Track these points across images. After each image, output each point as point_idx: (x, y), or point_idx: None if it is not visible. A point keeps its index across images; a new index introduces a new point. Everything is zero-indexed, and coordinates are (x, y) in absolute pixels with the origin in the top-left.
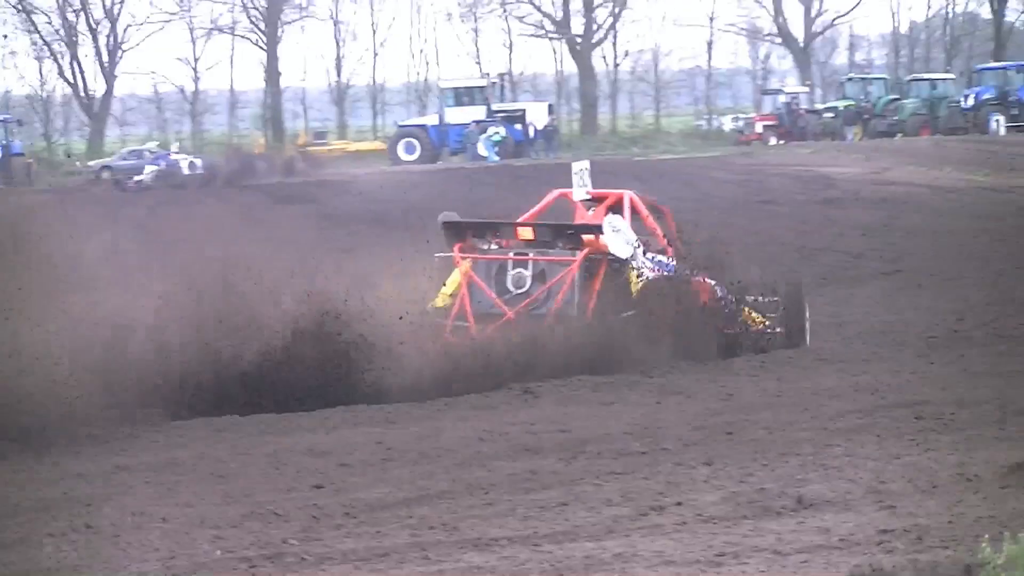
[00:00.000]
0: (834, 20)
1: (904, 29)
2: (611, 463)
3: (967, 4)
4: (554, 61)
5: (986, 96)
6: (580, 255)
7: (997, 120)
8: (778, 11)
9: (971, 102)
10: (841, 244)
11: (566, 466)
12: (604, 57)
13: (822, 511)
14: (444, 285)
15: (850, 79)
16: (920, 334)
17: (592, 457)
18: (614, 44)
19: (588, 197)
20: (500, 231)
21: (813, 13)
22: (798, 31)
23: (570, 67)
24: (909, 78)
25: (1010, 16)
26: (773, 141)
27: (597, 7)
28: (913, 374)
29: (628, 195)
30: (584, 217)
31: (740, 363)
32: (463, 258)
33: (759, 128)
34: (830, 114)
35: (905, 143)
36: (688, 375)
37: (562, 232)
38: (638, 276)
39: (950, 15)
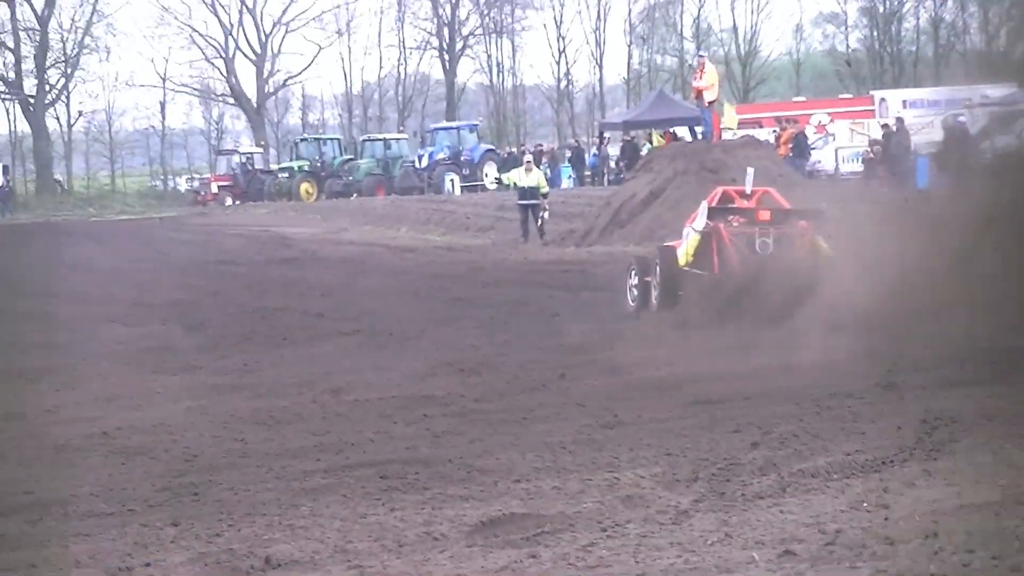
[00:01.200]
0: (286, 81)
1: (357, 89)
2: (78, 524)
3: (419, 64)
4: (7, 121)
5: (440, 156)
6: (809, 226)
7: (451, 180)
8: (230, 71)
9: (425, 162)
10: (300, 304)
11: (32, 528)
12: (58, 117)
13: (290, 570)
14: (687, 250)
15: (304, 139)
16: (382, 395)
17: (59, 518)
18: (67, 104)
19: (748, 192)
20: (744, 214)
21: (265, 74)
22: (251, 91)
23: (24, 127)
24: (363, 138)
25: (461, 77)
26: (229, 201)
27: (49, 68)
28: (377, 433)
29: (771, 191)
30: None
31: (201, 423)
32: (724, 230)
33: (215, 188)
34: (285, 174)
35: (361, 203)
36: (149, 434)
37: (786, 214)
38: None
39: (402, 75)
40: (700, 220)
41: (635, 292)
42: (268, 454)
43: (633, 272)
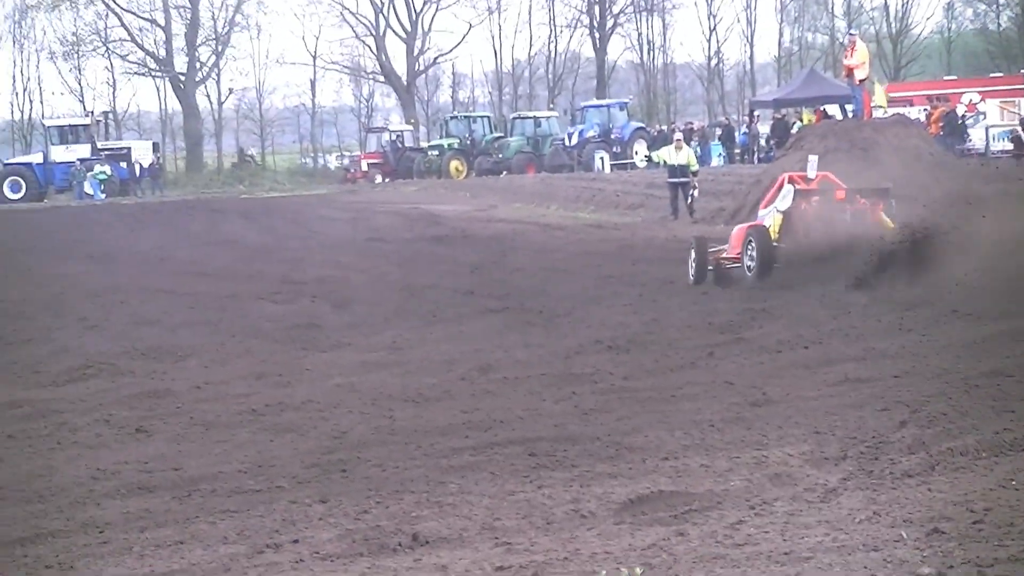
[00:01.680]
0: (436, 59)
1: (507, 67)
2: (225, 501)
3: (569, 42)
4: (158, 99)
5: (590, 134)
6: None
7: (601, 157)
8: (381, 49)
9: (575, 140)
10: (450, 281)
11: (180, 504)
12: (208, 95)
13: (438, 548)
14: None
15: (454, 117)
16: (531, 372)
17: (206, 495)
18: (218, 82)
19: (811, 177)
20: (823, 194)
21: (415, 52)
22: (401, 69)
23: (175, 105)
24: (513, 116)
25: (612, 54)
26: (379, 179)
27: (200, 45)
28: (526, 411)
29: (829, 175)
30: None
31: (350, 400)
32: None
33: (365, 166)
34: (435, 152)
35: (511, 180)
36: (298, 411)
37: (858, 192)
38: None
39: (553, 53)
40: (784, 201)
41: (692, 267)
42: (416, 431)
43: (692, 251)
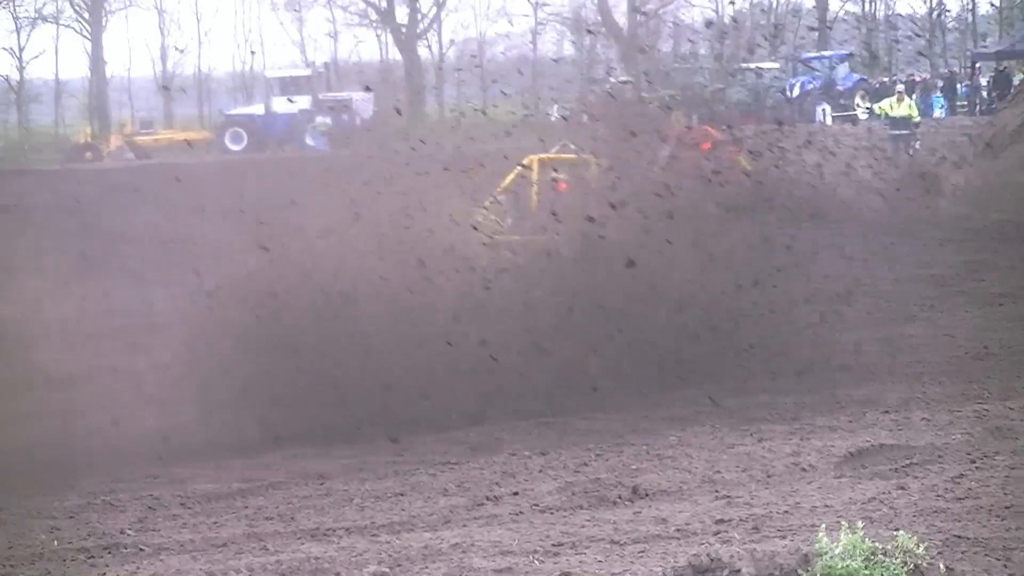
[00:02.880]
0: (657, 10)
1: (728, 18)
2: (445, 454)
3: None
4: (379, 50)
5: (811, 85)
6: None
7: (823, 109)
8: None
9: (796, 91)
10: None
11: (400, 456)
12: (429, 46)
13: (658, 501)
14: None
15: (675, 69)
16: None
17: (427, 446)
18: (439, 33)
19: None
20: None
21: (637, 2)
22: (622, 20)
23: (396, 56)
24: (734, 67)
25: (833, 6)
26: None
27: None
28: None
29: None
30: None
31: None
32: None
33: (585, 118)
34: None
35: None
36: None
37: None
38: None
39: (774, 4)
40: None
41: None
42: (636, 384)
43: None
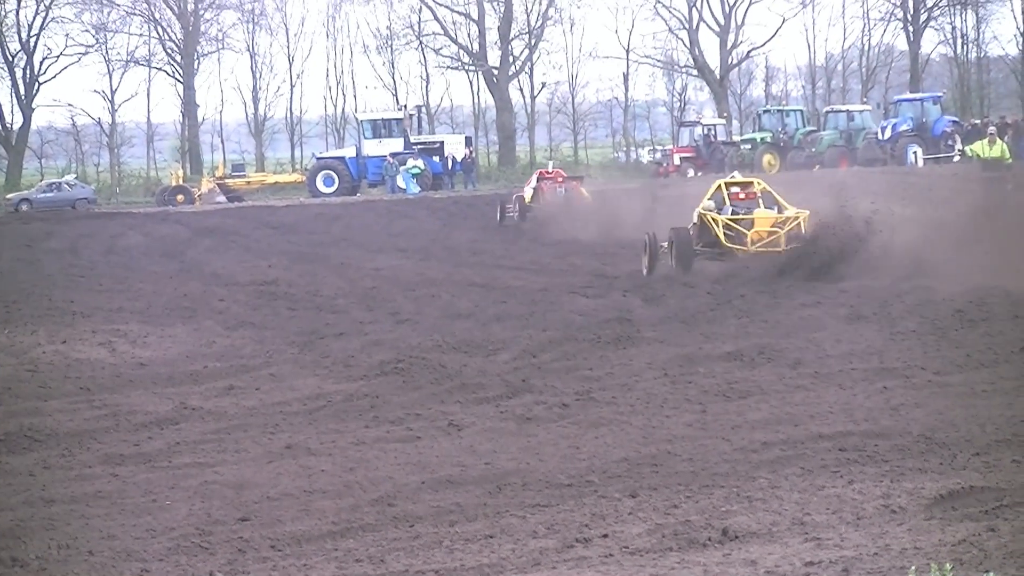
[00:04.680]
0: (749, 52)
1: (820, 60)
2: (535, 495)
3: (883, 35)
4: (471, 93)
5: (903, 128)
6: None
7: (915, 152)
8: (694, 43)
9: (888, 134)
10: (758, 269)
11: (490, 498)
12: (521, 89)
13: (748, 543)
14: None
15: (766, 111)
16: (842, 367)
17: (516, 489)
18: (531, 76)
19: None
20: None
21: (729, 45)
22: (714, 63)
23: (487, 99)
24: (826, 109)
25: (926, 48)
26: (691, 173)
27: (513, 39)
28: (836, 406)
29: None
30: None
31: (664, 393)
32: None
33: (677, 160)
34: (747, 146)
35: (824, 174)
36: (609, 407)
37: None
38: None
39: (866, 47)
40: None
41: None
42: (727, 426)
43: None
